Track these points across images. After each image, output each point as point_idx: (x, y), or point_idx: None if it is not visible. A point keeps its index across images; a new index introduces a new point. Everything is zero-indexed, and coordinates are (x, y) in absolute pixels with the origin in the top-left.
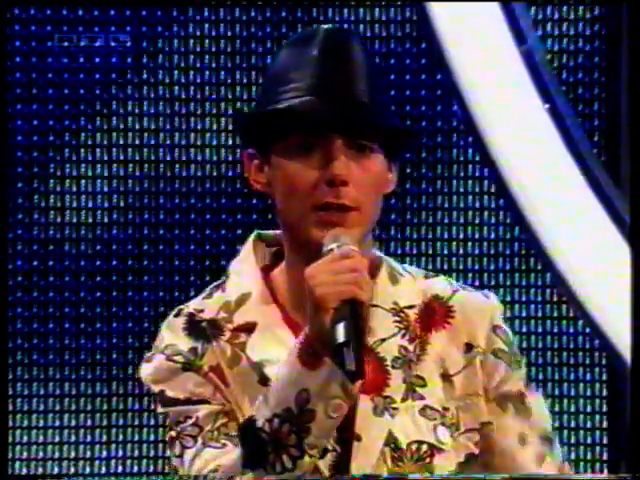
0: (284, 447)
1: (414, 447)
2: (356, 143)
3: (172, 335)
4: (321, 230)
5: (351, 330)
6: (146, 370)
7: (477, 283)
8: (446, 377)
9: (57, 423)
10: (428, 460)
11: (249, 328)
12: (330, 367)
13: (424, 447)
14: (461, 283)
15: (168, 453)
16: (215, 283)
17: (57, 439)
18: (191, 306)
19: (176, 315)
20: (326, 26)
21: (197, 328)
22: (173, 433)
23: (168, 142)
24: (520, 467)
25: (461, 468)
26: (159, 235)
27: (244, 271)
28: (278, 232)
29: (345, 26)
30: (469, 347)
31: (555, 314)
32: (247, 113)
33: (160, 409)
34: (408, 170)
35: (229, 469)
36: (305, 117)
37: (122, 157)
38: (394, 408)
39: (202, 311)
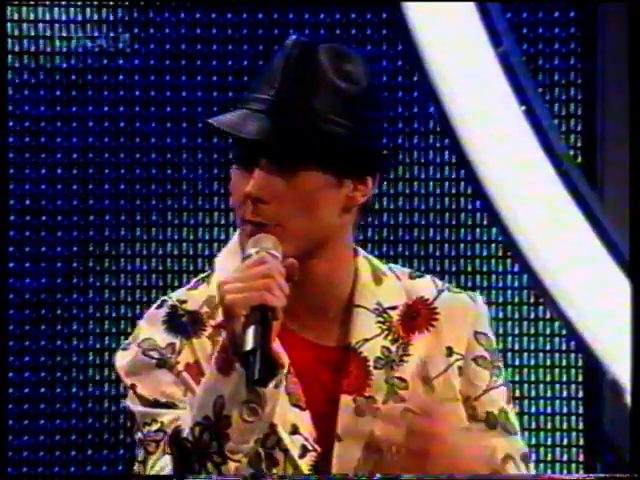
0: (207, 455)
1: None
2: (286, 162)
3: (151, 328)
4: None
5: (258, 337)
6: (121, 360)
7: (454, 285)
8: (427, 380)
9: (49, 425)
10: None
11: None
12: (239, 372)
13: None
14: (448, 283)
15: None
16: (201, 275)
17: (49, 441)
18: (174, 297)
19: (158, 307)
20: (300, 38)
21: (177, 322)
22: (140, 435)
23: (161, 144)
24: None
25: None
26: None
27: (230, 266)
28: None
29: (321, 29)
30: (450, 351)
31: (532, 315)
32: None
33: (129, 403)
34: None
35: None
36: (226, 133)
37: (120, 160)
38: (376, 409)
39: (185, 302)
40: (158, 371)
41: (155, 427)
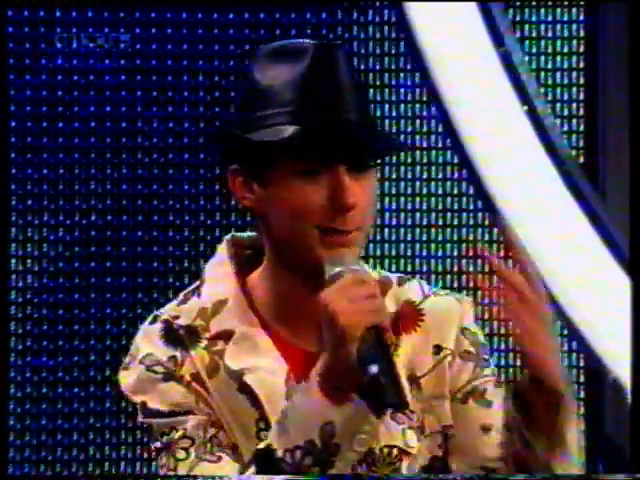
0: (303, 473)
1: (386, 451)
2: (359, 166)
3: (149, 344)
4: (325, 250)
5: (383, 358)
6: (125, 380)
7: (455, 285)
8: (413, 379)
9: (51, 425)
10: (397, 464)
11: (227, 336)
12: (357, 402)
13: (395, 451)
14: (437, 287)
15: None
16: (190, 288)
17: (51, 441)
18: (166, 313)
19: (152, 322)
20: (313, 42)
21: (174, 335)
22: (159, 444)
23: (163, 144)
24: (482, 455)
25: (425, 471)
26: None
27: (219, 276)
28: (252, 234)
29: (323, 29)
30: (438, 349)
31: None
32: (236, 135)
33: (142, 419)
34: (387, 172)
35: None
36: (310, 147)
37: (122, 160)
38: (368, 412)
39: (178, 317)
40: (166, 384)
41: (178, 434)
